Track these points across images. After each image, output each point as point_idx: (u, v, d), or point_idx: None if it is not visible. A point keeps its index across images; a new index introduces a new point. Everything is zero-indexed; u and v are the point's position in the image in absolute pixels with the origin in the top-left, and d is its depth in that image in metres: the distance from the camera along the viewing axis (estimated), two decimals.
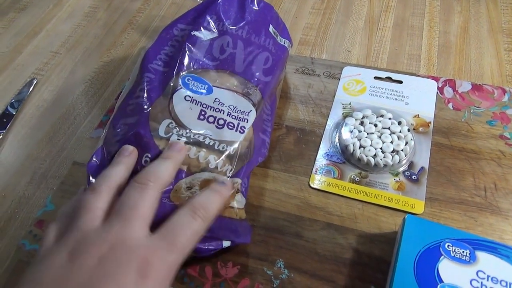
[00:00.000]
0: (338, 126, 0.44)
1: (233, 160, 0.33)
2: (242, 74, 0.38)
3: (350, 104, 0.45)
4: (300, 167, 0.41)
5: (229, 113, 0.35)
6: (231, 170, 0.32)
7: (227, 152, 0.33)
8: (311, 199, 0.39)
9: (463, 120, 0.43)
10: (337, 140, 0.42)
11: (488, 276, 0.30)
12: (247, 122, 0.35)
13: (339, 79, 0.48)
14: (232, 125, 0.34)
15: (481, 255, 0.31)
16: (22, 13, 0.64)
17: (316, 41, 0.56)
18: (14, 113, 0.50)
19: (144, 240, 0.25)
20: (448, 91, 0.46)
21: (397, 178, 0.39)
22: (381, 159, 0.40)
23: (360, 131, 0.42)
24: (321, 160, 0.41)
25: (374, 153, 0.40)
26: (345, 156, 0.41)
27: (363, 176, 0.40)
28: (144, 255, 0.24)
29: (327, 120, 0.45)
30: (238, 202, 0.33)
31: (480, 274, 0.30)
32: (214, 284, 0.34)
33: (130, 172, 0.30)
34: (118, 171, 0.29)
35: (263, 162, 0.41)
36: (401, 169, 0.40)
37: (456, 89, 0.46)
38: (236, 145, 0.33)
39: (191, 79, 0.36)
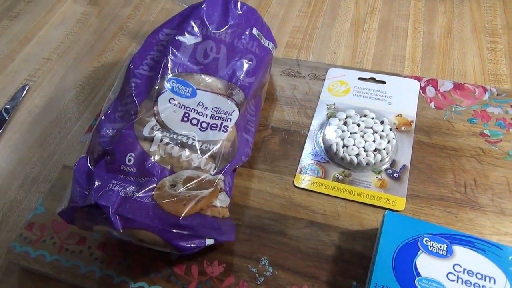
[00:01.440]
0: (322, 126, 0.44)
1: (216, 158, 0.34)
2: (226, 77, 0.38)
3: (334, 104, 0.46)
4: (285, 167, 0.42)
5: (213, 115, 0.36)
6: (214, 168, 0.33)
7: (210, 151, 0.34)
8: (296, 198, 0.40)
9: (444, 118, 0.44)
10: (321, 140, 0.43)
11: (464, 269, 0.30)
12: (230, 121, 0.36)
13: (324, 80, 0.49)
14: (216, 125, 0.35)
15: (458, 249, 0.31)
16: (15, 20, 0.65)
17: (303, 44, 0.57)
18: (7, 118, 0.51)
19: None
20: (430, 91, 0.47)
21: (379, 176, 0.40)
22: (363, 158, 0.41)
23: (343, 131, 0.43)
24: (305, 160, 0.42)
25: (357, 152, 0.41)
26: (329, 156, 0.42)
27: (347, 174, 0.41)
28: None
29: (311, 120, 0.45)
30: (222, 201, 0.34)
31: (456, 267, 0.31)
32: (200, 283, 0.35)
33: None
34: None
35: (248, 163, 0.42)
36: (384, 167, 0.41)
37: (438, 88, 0.47)
38: (219, 144, 0.34)
39: (175, 82, 0.37)
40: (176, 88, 0.37)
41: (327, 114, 0.46)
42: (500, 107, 0.44)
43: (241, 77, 0.39)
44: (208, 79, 0.38)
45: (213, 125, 0.35)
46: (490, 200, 0.38)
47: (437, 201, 0.38)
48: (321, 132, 0.44)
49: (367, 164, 0.40)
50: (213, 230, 0.32)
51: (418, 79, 0.48)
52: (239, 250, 0.37)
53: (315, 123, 0.45)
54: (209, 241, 0.32)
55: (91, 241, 0.38)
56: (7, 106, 0.53)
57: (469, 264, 0.31)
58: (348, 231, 0.37)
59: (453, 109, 0.45)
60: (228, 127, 0.35)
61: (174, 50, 0.39)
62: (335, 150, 0.41)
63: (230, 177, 0.37)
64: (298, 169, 0.42)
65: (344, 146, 0.42)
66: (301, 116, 0.46)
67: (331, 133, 0.43)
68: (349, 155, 0.41)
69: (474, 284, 0.30)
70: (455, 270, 0.30)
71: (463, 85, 0.47)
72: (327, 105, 0.46)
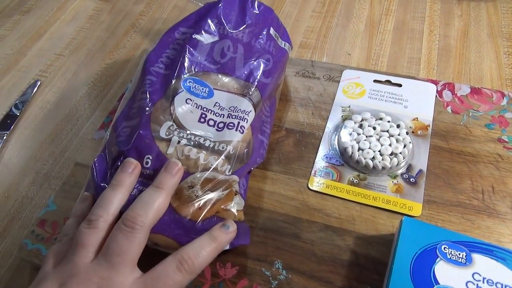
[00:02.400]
0: (337, 128, 0.44)
1: (231, 159, 0.33)
2: (243, 77, 0.38)
3: (349, 107, 0.46)
4: (299, 169, 0.42)
5: (230, 115, 0.36)
6: (229, 170, 0.33)
7: (226, 151, 0.33)
8: (310, 201, 0.39)
9: (461, 123, 0.43)
10: (336, 143, 0.43)
11: (484, 278, 0.30)
12: (246, 121, 0.35)
13: (338, 82, 0.49)
14: (232, 125, 0.35)
15: (477, 257, 0.31)
16: (26, 15, 0.65)
17: (316, 44, 0.56)
18: (18, 114, 0.51)
19: (128, 286, 0.26)
20: (447, 95, 0.46)
21: (395, 181, 0.40)
22: (379, 162, 0.40)
23: (359, 134, 0.42)
24: (320, 163, 0.42)
25: (372, 156, 0.40)
26: (343, 159, 0.42)
27: (362, 178, 0.40)
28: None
29: (326, 122, 0.45)
30: (237, 204, 0.34)
31: (476, 276, 0.30)
32: (213, 285, 0.35)
33: (130, 192, 0.31)
34: (117, 197, 0.30)
35: (262, 164, 0.42)
36: (400, 171, 0.40)
37: (455, 92, 0.46)
38: (235, 145, 0.34)
39: (192, 81, 0.37)
40: (193, 88, 0.36)
41: (342, 116, 0.45)
42: None
43: (258, 77, 0.38)
44: (225, 78, 0.38)
45: (230, 124, 0.35)
46: (509, 208, 0.37)
47: (454, 207, 0.38)
48: (336, 135, 0.43)
49: (383, 168, 0.40)
50: None
51: (435, 82, 0.47)
52: (252, 253, 0.36)
53: (330, 125, 0.45)
54: (226, 246, 0.32)
55: None
56: (18, 102, 0.52)
57: (489, 273, 0.30)
58: (363, 235, 0.37)
59: (470, 114, 0.44)
60: (244, 127, 0.35)
61: (191, 49, 0.38)
62: (350, 153, 0.41)
63: (245, 179, 0.37)
64: (313, 172, 0.41)
65: (359, 149, 0.41)
66: (316, 118, 0.46)
67: (346, 136, 0.42)
68: (365, 159, 0.40)
69: None
70: (474, 279, 0.30)
71: (481, 90, 0.46)
72: (342, 107, 0.46)
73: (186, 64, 0.37)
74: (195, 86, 0.37)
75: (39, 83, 0.55)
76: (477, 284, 0.30)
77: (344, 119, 0.45)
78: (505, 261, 0.30)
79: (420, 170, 0.40)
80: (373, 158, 0.40)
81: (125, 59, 0.57)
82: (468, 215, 0.37)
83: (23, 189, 0.45)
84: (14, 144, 0.49)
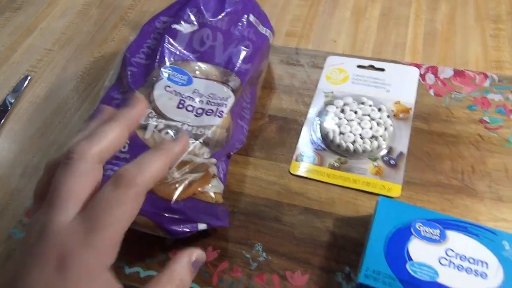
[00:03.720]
0: (320, 114, 0.44)
1: (210, 143, 0.34)
2: (222, 64, 0.39)
3: (332, 92, 0.46)
4: (281, 155, 0.42)
5: (209, 101, 0.36)
6: (207, 153, 0.33)
7: (204, 136, 0.34)
8: (291, 185, 0.40)
9: (444, 105, 0.44)
10: (318, 128, 0.43)
11: (457, 254, 0.30)
12: (225, 107, 0.36)
13: (322, 68, 0.49)
14: (211, 111, 0.35)
15: (451, 234, 0.31)
16: (18, 12, 0.66)
17: (303, 33, 0.57)
18: (9, 108, 0.52)
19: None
20: (430, 78, 0.46)
21: (375, 163, 0.40)
22: (360, 145, 0.40)
23: (340, 118, 0.42)
24: (302, 148, 0.42)
25: (353, 139, 0.41)
26: (325, 143, 0.42)
27: (343, 162, 0.40)
28: (64, 243, 0.20)
29: (309, 108, 0.45)
30: (215, 187, 0.34)
31: (449, 252, 0.30)
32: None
33: (128, 134, 0.25)
34: (110, 140, 0.23)
35: (244, 150, 0.43)
36: (380, 154, 0.40)
37: (438, 75, 0.46)
38: (213, 129, 0.34)
39: (171, 70, 0.37)
40: (172, 76, 0.37)
41: (324, 102, 0.45)
42: (501, 93, 0.43)
43: (238, 63, 0.39)
44: (204, 66, 0.38)
45: (208, 111, 0.36)
46: (487, 187, 0.37)
47: (434, 188, 0.38)
48: (318, 120, 0.44)
49: (364, 151, 0.40)
50: (205, 215, 0.32)
51: (418, 66, 0.47)
52: (233, 236, 0.37)
53: (313, 111, 0.45)
54: (202, 226, 0.32)
55: None
56: (9, 97, 0.53)
57: (462, 249, 0.30)
58: (343, 217, 0.37)
59: (452, 96, 0.44)
60: (223, 112, 0.36)
61: (170, 39, 0.39)
62: (331, 137, 0.41)
63: (224, 164, 0.37)
64: (294, 157, 0.41)
65: (340, 133, 0.41)
66: (299, 104, 0.46)
67: (328, 121, 0.43)
68: (345, 142, 0.41)
69: (466, 269, 0.29)
70: (447, 255, 0.30)
71: (464, 72, 0.46)
72: (325, 93, 0.46)
73: (165, 54, 0.38)
74: (174, 74, 0.37)
75: (29, 78, 0.55)
76: (450, 260, 0.30)
77: (327, 104, 0.45)
78: (478, 237, 0.31)
79: (401, 153, 0.40)
80: (353, 142, 0.41)
81: (113, 52, 0.57)
82: (447, 195, 0.37)
83: (13, 182, 0.46)
84: (5, 139, 0.50)
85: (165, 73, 0.37)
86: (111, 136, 0.23)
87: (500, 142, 0.40)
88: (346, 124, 0.42)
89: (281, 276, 0.35)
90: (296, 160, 0.41)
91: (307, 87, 0.48)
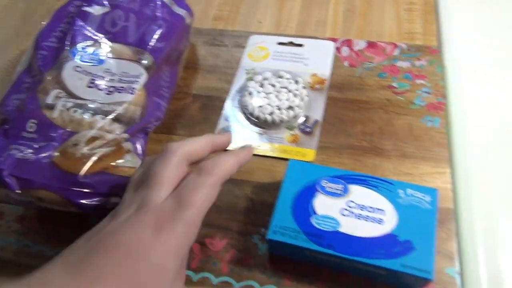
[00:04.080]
0: (241, 90, 0.46)
1: (122, 120, 0.35)
2: (134, 44, 0.39)
3: (253, 69, 0.48)
4: (204, 131, 0.43)
5: (121, 79, 0.37)
6: (119, 129, 0.34)
7: (115, 112, 0.34)
8: None
9: (356, 75, 0.46)
10: (239, 103, 0.45)
11: (357, 205, 0.32)
12: (137, 83, 0.37)
13: (245, 47, 0.50)
14: (122, 88, 0.36)
15: (353, 188, 0.33)
16: None
17: (229, 16, 0.58)
18: None
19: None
20: (345, 50, 0.48)
21: (292, 132, 0.42)
22: (277, 116, 0.42)
23: (259, 92, 0.44)
24: (223, 123, 0.43)
25: (271, 111, 0.42)
26: (245, 116, 0.43)
27: (262, 133, 0.42)
28: (160, 213, 0.25)
29: (231, 86, 0.47)
30: (129, 161, 0.35)
31: (350, 204, 0.32)
32: None
33: (211, 148, 0.31)
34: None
35: (168, 129, 0.43)
36: (297, 123, 0.42)
37: (353, 47, 0.48)
38: (125, 106, 0.35)
39: (82, 51, 0.38)
40: (82, 56, 0.37)
41: (246, 78, 0.47)
42: (409, 61, 0.46)
43: (151, 42, 0.39)
44: (117, 46, 0.39)
45: (119, 88, 0.36)
46: (393, 146, 0.40)
47: (345, 150, 0.40)
48: (239, 95, 0.45)
49: (281, 121, 0.42)
50: (119, 188, 0.33)
51: (334, 40, 0.50)
52: None
53: (235, 88, 0.46)
54: (115, 199, 0.33)
55: (9, 214, 0.39)
56: None
57: (362, 200, 0.32)
58: (260, 184, 0.39)
59: (365, 66, 0.47)
60: (135, 89, 0.36)
61: (82, 21, 0.39)
62: (250, 110, 0.43)
63: (143, 140, 0.38)
64: (216, 131, 0.43)
65: (259, 106, 0.43)
66: (222, 82, 0.47)
67: (248, 95, 0.44)
68: (264, 114, 0.42)
69: (365, 217, 0.32)
70: (349, 206, 0.32)
71: (376, 43, 0.49)
72: (247, 70, 0.48)
73: (76, 36, 0.38)
74: (84, 55, 0.37)
75: None
76: (351, 211, 0.32)
77: (248, 80, 0.46)
78: (377, 188, 0.33)
79: (316, 121, 0.42)
80: (271, 113, 0.42)
81: None
82: (357, 156, 0.40)
83: None
84: None
85: (75, 54, 0.37)
86: (198, 143, 0.30)
87: (406, 104, 0.43)
88: (264, 97, 0.43)
89: (200, 244, 0.36)
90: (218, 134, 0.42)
91: (230, 66, 0.49)
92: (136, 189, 0.28)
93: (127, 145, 0.35)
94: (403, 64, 0.46)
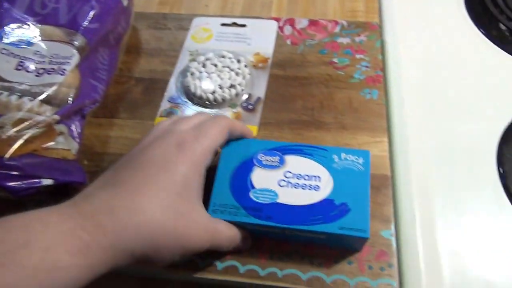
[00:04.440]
0: (183, 71, 0.45)
1: (53, 101, 0.34)
2: (66, 25, 0.38)
3: (196, 51, 0.47)
4: (146, 113, 0.43)
5: (51, 61, 0.36)
6: (51, 111, 0.33)
7: (44, 94, 0.34)
8: None
9: (298, 52, 0.46)
10: (181, 84, 0.44)
11: (294, 174, 0.32)
12: (68, 65, 0.36)
13: (188, 30, 0.50)
14: (53, 69, 0.35)
15: (289, 158, 0.33)
16: None
17: (175, 0, 0.57)
18: None
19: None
20: (287, 29, 0.49)
21: (235, 110, 0.42)
22: (219, 94, 0.42)
23: (201, 72, 0.44)
24: (165, 104, 0.43)
25: (213, 90, 0.42)
26: (188, 97, 0.43)
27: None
28: (183, 136, 0.30)
29: (174, 68, 0.46)
30: (62, 143, 0.34)
31: (287, 174, 0.33)
32: None
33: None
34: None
35: (109, 113, 0.43)
36: (240, 101, 0.42)
37: (295, 26, 0.49)
38: (56, 87, 0.34)
39: (9, 33, 0.37)
40: (10, 39, 0.36)
41: (189, 60, 0.47)
42: (349, 37, 0.47)
43: (83, 23, 0.39)
44: (47, 28, 0.38)
45: (50, 70, 0.35)
46: (333, 119, 0.41)
47: (287, 125, 0.41)
48: (182, 77, 0.45)
49: (223, 99, 0.42)
50: (51, 170, 0.32)
51: (277, 19, 0.50)
52: None
53: (178, 70, 0.46)
54: (47, 181, 0.32)
55: None
56: None
57: (298, 169, 0.33)
58: None
59: (306, 44, 0.47)
60: (66, 70, 0.35)
61: (8, 4, 0.38)
62: (193, 90, 0.43)
63: (78, 123, 0.37)
64: (158, 113, 0.42)
65: (201, 86, 0.43)
66: (165, 65, 0.47)
67: (190, 76, 0.44)
68: (205, 93, 0.42)
69: (302, 185, 0.32)
70: (285, 177, 0.32)
71: (318, 21, 0.49)
72: (190, 51, 0.47)
73: (2, 19, 0.37)
74: (12, 37, 0.36)
75: None
76: (288, 181, 0.32)
77: (190, 61, 0.46)
78: (312, 156, 0.33)
79: (258, 98, 0.43)
80: (213, 92, 0.42)
81: None
82: (298, 130, 0.40)
83: None
84: None
85: (1, 37, 0.36)
86: (238, 123, 0.34)
87: (346, 78, 0.44)
88: (207, 77, 0.43)
89: None
90: (161, 116, 0.42)
91: (173, 48, 0.48)
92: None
93: (60, 127, 0.34)
94: (343, 40, 0.47)
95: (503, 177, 0.38)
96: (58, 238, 0.23)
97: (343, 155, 0.33)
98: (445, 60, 0.45)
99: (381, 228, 0.34)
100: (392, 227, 0.34)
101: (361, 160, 0.33)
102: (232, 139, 0.35)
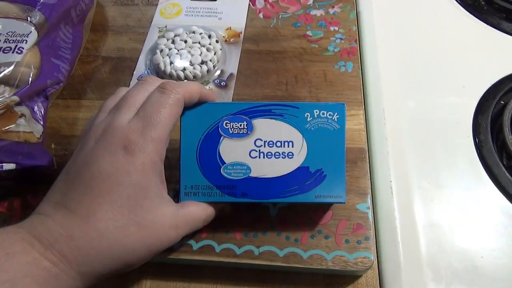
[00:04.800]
0: (152, 48, 0.44)
1: (10, 82, 0.32)
2: (21, 1, 0.36)
3: (165, 27, 0.45)
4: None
5: (7, 39, 0.34)
6: (9, 91, 0.31)
7: (1, 74, 0.32)
8: None
9: (271, 26, 0.45)
10: (151, 62, 0.43)
11: (265, 142, 0.30)
12: (25, 43, 0.34)
13: (157, 5, 0.48)
14: (9, 48, 0.33)
15: (257, 122, 0.30)
16: None
17: None
18: None
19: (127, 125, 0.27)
20: (259, 2, 0.47)
21: (207, 87, 0.40)
22: (190, 72, 0.40)
23: (170, 49, 0.42)
24: (135, 83, 0.41)
25: (183, 67, 0.41)
26: (158, 75, 0.42)
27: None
28: (127, 135, 0.26)
29: (143, 45, 0.44)
30: (23, 126, 0.32)
31: (257, 142, 0.30)
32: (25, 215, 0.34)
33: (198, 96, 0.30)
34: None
35: (77, 94, 0.41)
36: (212, 78, 0.41)
37: None
38: (12, 66, 0.32)
39: None
40: None
41: (158, 37, 0.45)
42: (322, 9, 0.46)
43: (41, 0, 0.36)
44: (2, 4, 0.36)
45: (6, 49, 0.33)
46: (308, 92, 0.40)
47: (261, 100, 0.39)
48: (151, 55, 0.43)
49: (195, 76, 0.41)
50: (13, 154, 0.31)
51: None
52: None
53: (147, 47, 0.44)
54: (9, 166, 0.31)
55: None
56: None
57: (269, 135, 0.30)
58: (175, 141, 0.37)
59: (280, 17, 0.46)
60: (23, 48, 0.33)
61: None
62: (163, 68, 0.41)
63: (41, 104, 0.35)
64: None
65: (171, 63, 0.41)
66: (134, 42, 0.45)
67: (159, 53, 0.42)
68: (176, 71, 0.41)
69: (274, 154, 0.30)
70: (256, 145, 0.30)
71: None
72: (159, 28, 0.46)
73: None
74: None
75: None
76: (259, 150, 0.30)
77: (159, 38, 0.44)
78: (282, 117, 0.30)
79: (231, 74, 0.41)
80: (184, 69, 0.41)
81: None
82: None
83: None
84: None
85: None
86: (193, 87, 0.29)
87: (320, 51, 0.42)
88: (177, 54, 0.42)
89: None
90: None
91: (141, 25, 0.46)
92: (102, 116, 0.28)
93: (21, 109, 0.33)
94: (317, 12, 0.46)
95: (478, 147, 0.37)
96: (24, 269, 0.22)
97: (316, 112, 0.30)
98: (421, 31, 0.45)
99: (357, 202, 0.33)
100: (369, 200, 0.34)
101: (336, 117, 0.30)
102: (189, 107, 0.30)
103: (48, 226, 0.24)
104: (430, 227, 0.34)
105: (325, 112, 0.30)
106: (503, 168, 0.36)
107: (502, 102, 0.40)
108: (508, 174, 0.35)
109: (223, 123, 0.30)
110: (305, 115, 0.30)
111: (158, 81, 0.29)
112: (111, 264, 0.25)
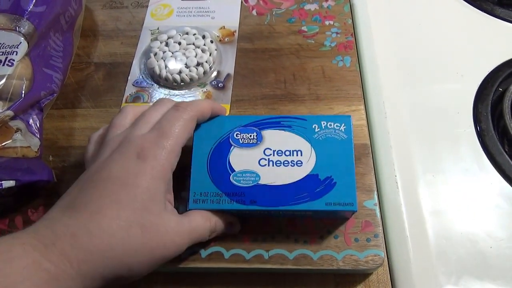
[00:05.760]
0: (146, 52, 0.43)
1: (4, 95, 0.31)
2: (9, 10, 0.35)
3: (158, 29, 0.45)
4: (110, 100, 0.40)
5: None
6: (3, 106, 0.30)
7: None
8: None
9: (266, 23, 0.44)
10: (145, 66, 0.42)
11: (274, 151, 0.31)
12: (16, 54, 0.33)
13: (147, 7, 0.47)
14: (0, 61, 0.32)
15: (266, 133, 0.31)
16: None
17: None
18: None
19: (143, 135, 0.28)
20: None
21: (204, 89, 0.40)
22: (186, 74, 0.40)
23: (164, 52, 0.41)
24: (130, 89, 0.40)
25: (179, 70, 0.40)
26: (154, 80, 0.41)
27: (173, 95, 0.40)
28: (142, 143, 0.27)
29: (136, 49, 0.43)
30: (20, 141, 0.32)
31: (267, 151, 0.31)
32: None
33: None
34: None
35: (71, 103, 0.40)
36: (209, 80, 0.40)
37: None
38: (4, 80, 0.31)
39: None
40: None
41: (151, 39, 0.44)
42: (316, 2, 0.45)
43: (28, 8, 0.35)
44: None
45: None
46: (307, 90, 0.39)
47: (260, 101, 0.39)
48: (145, 58, 0.42)
49: (191, 79, 0.40)
50: (12, 171, 0.30)
51: None
52: (64, 191, 0.35)
53: (140, 51, 0.43)
54: (8, 183, 0.30)
55: None
56: None
57: (278, 145, 0.31)
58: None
59: (273, 13, 0.45)
60: (14, 60, 0.32)
61: None
62: (158, 72, 0.40)
63: (36, 117, 0.34)
64: (124, 99, 0.40)
65: (166, 66, 0.40)
66: (126, 46, 0.44)
67: (153, 57, 0.41)
68: (172, 74, 0.40)
69: (283, 162, 0.30)
70: (265, 154, 0.31)
71: None
72: (151, 30, 0.45)
73: None
74: None
75: None
76: (269, 159, 0.31)
77: (152, 41, 0.43)
78: (291, 128, 0.31)
79: (228, 74, 0.41)
80: (180, 72, 0.40)
81: None
82: (272, 105, 0.39)
83: None
84: None
85: None
86: (205, 105, 0.31)
87: (317, 47, 0.42)
88: (171, 57, 0.41)
89: None
90: (126, 102, 0.40)
91: (132, 28, 0.45)
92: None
93: (16, 123, 0.32)
94: (311, 6, 0.45)
95: (480, 135, 0.37)
96: (23, 273, 0.22)
97: (323, 123, 0.31)
98: (416, 21, 0.44)
99: (364, 199, 0.33)
100: (375, 196, 0.33)
101: (343, 127, 0.31)
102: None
103: (52, 228, 0.24)
104: (437, 217, 0.34)
105: (332, 123, 0.31)
106: (506, 156, 0.36)
107: (501, 89, 0.40)
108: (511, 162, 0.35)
109: (233, 134, 0.31)
110: (313, 126, 0.31)
111: (173, 102, 0.31)
112: (113, 265, 0.25)
